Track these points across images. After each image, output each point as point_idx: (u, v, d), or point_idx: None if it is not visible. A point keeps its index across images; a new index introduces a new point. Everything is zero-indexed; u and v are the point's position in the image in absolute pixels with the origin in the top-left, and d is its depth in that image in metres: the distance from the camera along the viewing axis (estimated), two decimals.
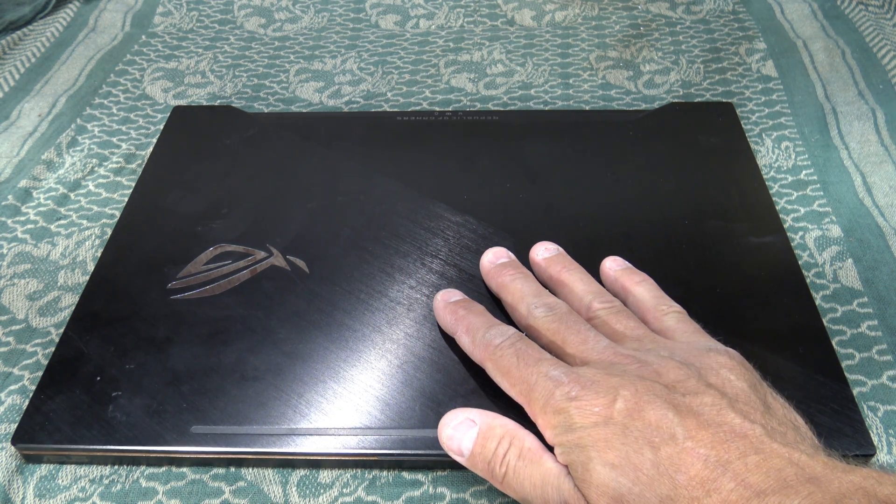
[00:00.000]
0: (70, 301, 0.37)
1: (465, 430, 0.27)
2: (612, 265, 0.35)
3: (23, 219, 0.42)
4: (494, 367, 0.28)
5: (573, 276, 0.33)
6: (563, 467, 0.25)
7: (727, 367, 0.26)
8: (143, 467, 0.31)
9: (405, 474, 0.30)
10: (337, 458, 0.30)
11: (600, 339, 0.28)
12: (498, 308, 0.34)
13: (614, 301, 0.32)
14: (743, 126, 0.46)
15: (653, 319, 0.31)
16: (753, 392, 0.25)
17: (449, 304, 0.32)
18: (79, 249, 0.40)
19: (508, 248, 0.35)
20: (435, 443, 0.28)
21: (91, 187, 0.45)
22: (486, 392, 0.30)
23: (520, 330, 0.30)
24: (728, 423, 0.23)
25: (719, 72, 0.54)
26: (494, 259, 0.35)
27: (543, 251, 0.35)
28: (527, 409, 0.27)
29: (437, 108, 0.51)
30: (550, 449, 0.26)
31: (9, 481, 0.30)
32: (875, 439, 0.31)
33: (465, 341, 0.30)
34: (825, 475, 0.21)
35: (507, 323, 0.30)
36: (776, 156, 0.46)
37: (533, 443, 0.26)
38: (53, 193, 0.44)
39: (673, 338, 0.29)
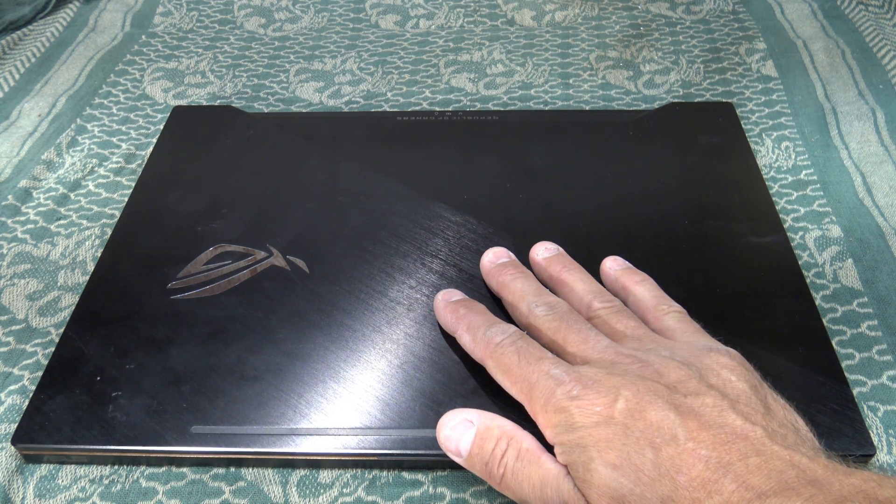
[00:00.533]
0: (70, 301, 0.37)
1: (462, 431, 0.27)
2: (613, 265, 0.35)
3: (23, 219, 0.42)
4: (495, 364, 0.28)
5: (573, 276, 0.33)
6: (562, 468, 0.25)
7: (728, 367, 0.26)
8: (143, 467, 0.31)
9: (405, 474, 0.30)
10: (337, 458, 0.30)
11: (601, 339, 0.28)
12: (498, 308, 0.34)
13: (614, 301, 0.32)
14: (743, 126, 0.46)
15: (653, 319, 0.31)
16: (754, 393, 0.25)
17: (450, 303, 0.32)
18: (79, 249, 0.40)
19: (508, 248, 0.35)
20: (435, 443, 0.28)
21: (91, 187, 0.45)
22: (485, 392, 0.30)
23: (520, 329, 0.30)
24: (729, 424, 0.23)
25: (719, 72, 0.54)
26: (495, 259, 0.35)
27: (544, 251, 0.35)
28: (527, 408, 0.27)
29: (437, 108, 0.51)
30: (549, 450, 0.26)
31: (9, 481, 0.30)
32: (875, 439, 0.31)
33: (465, 340, 0.30)
34: (826, 477, 0.21)
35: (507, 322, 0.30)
36: (776, 156, 0.46)
37: (531, 443, 0.26)
38: (53, 193, 0.44)
39: (673, 337, 0.29)
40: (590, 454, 0.24)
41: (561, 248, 0.35)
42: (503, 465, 0.26)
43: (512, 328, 0.29)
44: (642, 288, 0.33)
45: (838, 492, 0.21)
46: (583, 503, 0.24)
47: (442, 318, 0.32)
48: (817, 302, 0.36)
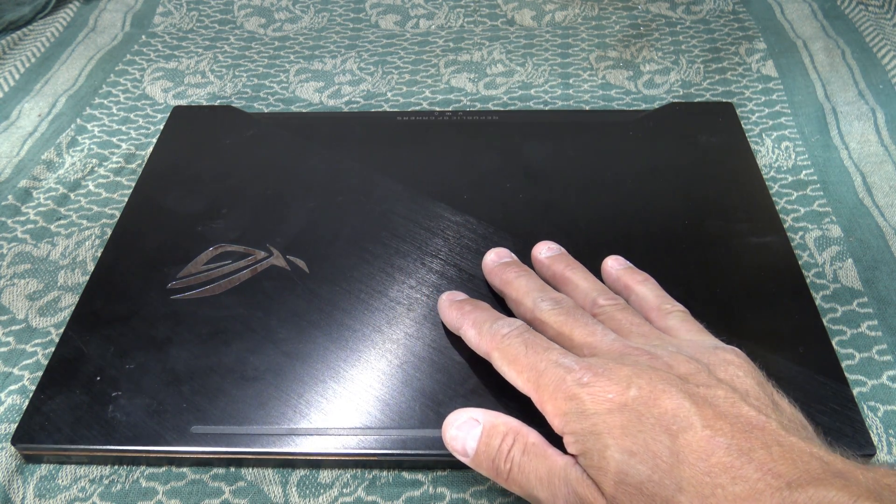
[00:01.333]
0: (70, 301, 0.37)
1: (468, 430, 0.27)
2: (614, 264, 0.34)
3: (23, 219, 0.42)
4: (501, 356, 0.28)
5: (577, 275, 0.33)
6: (569, 458, 0.25)
7: (734, 364, 0.26)
8: (143, 467, 0.31)
9: (405, 474, 0.30)
10: (337, 458, 0.30)
11: (608, 333, 0.28)
12: (501, 308, 0.34)
13: (618, 299, 0.32)
14: (743, 126, 0.46)
15: (656, 318, 0.31)
16: (762, 389, 0.25)
17: (455, 301, 0.32)
18: (79, 249, 0.40)
19: (509, 248, 0.35)
20: (435, 443, 0.28)
21: (91, 187, 0.45)
22: (486, 391, 0.30)
23: None
24: (744, 415, 0.23)
25: (719, 72, 0.54)
26: (497, 258, 0.35)
27: (546, 250, 0.35)
28: (534, 398, 0.26)
29: (437, 108, 0.51)
30: (555, 444, 0.26)
31: (9, 481, 0.30)
32: (875, 439, 0.31)
33: (470, 334, 0.30)
34: (849, 471, 0.21)
35: None
36: (776, 156, 0.46)
37: (537, 438, 0.26)
38: (53, 193, 0.44)
39: (676, 336, 0.29)
40: (605, 441, 0.23)
41: (563, 248, 0.35)
42: (510, 460, 0.26)
43: (518, 321, 0.29)
44: (644, 287, 0.33)
45: (865, 484, 0.21)
46: (593, 489, 0.24)
47: (446, 316, 0.32)
48: (817, 302, 0.36)
